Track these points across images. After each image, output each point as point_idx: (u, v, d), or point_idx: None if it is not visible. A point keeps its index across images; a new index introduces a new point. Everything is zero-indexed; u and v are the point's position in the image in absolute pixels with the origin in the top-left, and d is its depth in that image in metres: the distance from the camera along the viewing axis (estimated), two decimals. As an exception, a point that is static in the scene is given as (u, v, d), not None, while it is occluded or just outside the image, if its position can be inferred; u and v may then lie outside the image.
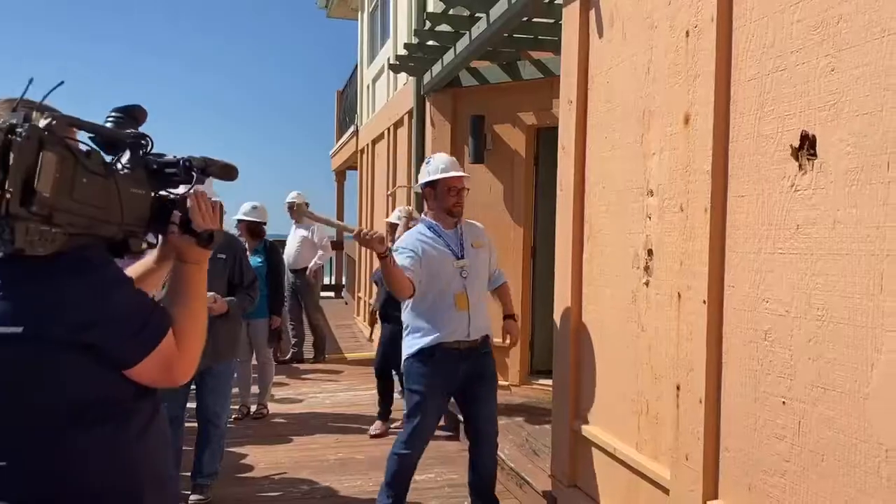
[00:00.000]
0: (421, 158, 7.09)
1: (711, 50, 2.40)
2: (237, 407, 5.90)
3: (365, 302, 10.33)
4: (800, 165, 2.04)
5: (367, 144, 11.12)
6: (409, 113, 7.56)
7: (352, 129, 12.89)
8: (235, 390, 5.34)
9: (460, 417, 4.90)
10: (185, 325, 1.48)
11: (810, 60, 2.00)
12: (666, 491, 2.69)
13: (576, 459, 3.52)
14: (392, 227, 5.63)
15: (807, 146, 2.01)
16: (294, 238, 8.21)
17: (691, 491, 2.49)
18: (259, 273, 5.09)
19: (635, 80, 2.97)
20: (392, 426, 5.59)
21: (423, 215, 3.84)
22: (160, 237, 1.59)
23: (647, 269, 2.88)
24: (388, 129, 9.11)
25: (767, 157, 2.18)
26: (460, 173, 3.67)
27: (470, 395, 3.66)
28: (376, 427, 5.61)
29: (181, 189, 1.55)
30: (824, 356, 1.95)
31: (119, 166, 1.44)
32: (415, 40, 6.28)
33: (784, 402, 2.10)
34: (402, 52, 6.86)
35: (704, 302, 2.44)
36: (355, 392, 6.98)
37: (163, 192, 1.54)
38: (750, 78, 2.26)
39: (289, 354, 8.29)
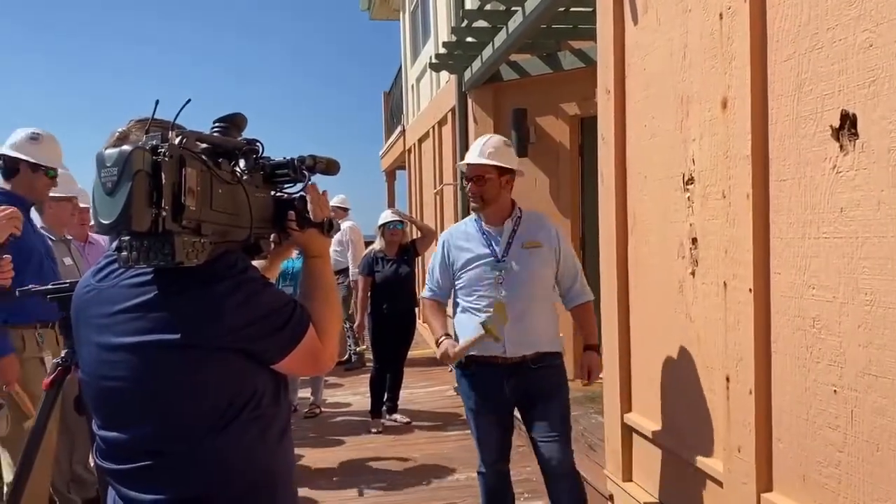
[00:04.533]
0: (464, 156, 7.09)
1: (746, 31, 2.33)
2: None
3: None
4: (841, 146, 1.97)
5: (414, 144, 11.17)
6: (452, 110, 7.57)
7: (399, 129, 12.97)
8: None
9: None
10: (322, 315, 1.54)
11: (847, 37, 1.93)
12: (720, 484, 2.64)
13: (630, 454, 3.48)
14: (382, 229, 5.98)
15: (847, 126, 1.94)
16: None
17: (744, 483, 2.43)
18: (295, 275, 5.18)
19: (672, 66, 2.91)
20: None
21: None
22: (279, 237, 1.65)
23: (692, 258, 2.83)
24: (433, 127, 9.13)
25: (808, 139, 2.11)
26: (476, 160, 3.17)
27: (529, 416, 3.23)
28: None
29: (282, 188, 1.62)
30: (874, 342, 1.88)
31: (238, 172, 1.50)
32: (453, 38, 6.28)
33: (835, 391, 2.04)
34: (441, 50, 6.86)
35: (750, 290, 2.38)
36: (411, 390, 7.01)
37: (278, 193, 1.61)
38: (786, 58, 2.19)
39: (346, 356, 8.40)
